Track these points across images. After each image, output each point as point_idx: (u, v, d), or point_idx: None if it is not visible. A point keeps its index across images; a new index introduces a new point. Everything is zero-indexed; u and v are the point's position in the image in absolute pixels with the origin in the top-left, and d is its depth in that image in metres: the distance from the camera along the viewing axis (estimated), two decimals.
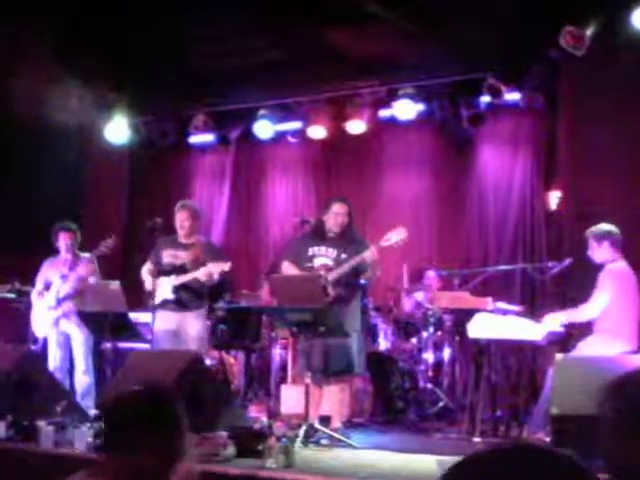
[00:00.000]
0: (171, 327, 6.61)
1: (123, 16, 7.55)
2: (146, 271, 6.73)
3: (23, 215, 8.51)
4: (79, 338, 7.06)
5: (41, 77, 7.88)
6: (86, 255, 7.27)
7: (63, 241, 7.26)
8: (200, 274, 6.48)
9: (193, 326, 6.60)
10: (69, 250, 7.27)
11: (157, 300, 6.62)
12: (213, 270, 6.43)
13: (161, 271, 6.66)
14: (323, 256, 6.28)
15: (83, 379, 7.05)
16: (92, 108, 8.84)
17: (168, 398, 2.43)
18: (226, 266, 6.42)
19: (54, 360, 7.12)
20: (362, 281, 6.43)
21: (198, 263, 6.54)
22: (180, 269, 6.62)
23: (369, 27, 7.58)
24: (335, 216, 6.30)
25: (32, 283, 7.45)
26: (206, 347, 6.67)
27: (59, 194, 8.75)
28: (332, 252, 6.27)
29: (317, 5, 7.20)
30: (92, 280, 7.15)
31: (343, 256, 6.21)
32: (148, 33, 7.89)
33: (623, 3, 6.86)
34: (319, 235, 6.37)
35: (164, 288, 6.61)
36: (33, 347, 7.22)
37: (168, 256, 6.69)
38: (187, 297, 6.62)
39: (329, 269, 6.17)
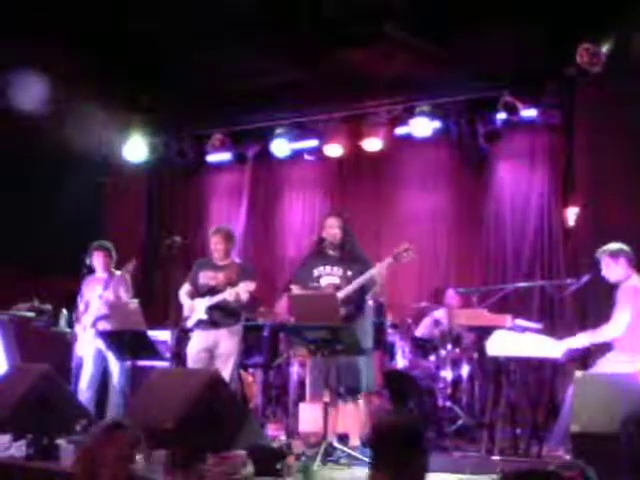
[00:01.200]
0: (205, 345, 6.74)
1: (140, 38, 7.64)
2: (184, 293, 6.87)
3: (43, 235, 8.57)
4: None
5: (62, 98, 7.98)
6: (120, 273, 7.34)
7: (97, 260, 7.35)
8: (227, 295, 6.58)
9: (224, 345, 6.69)
10: (104, 269, 7.36)
11: (192, 321, 6.78)
12: (239, 290, 6.52)
13: (197, 293, 6.80)
14: (329, 275, 6.31)
15: (118, 397, 7.10)
16: (111, 128, 8.93)
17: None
18: (251, 286, 6.52)
19: (87, 377, 7.19)
20: (368, 298, 6.42)
21: (231, 285, 6.65)
22: (214, 290, 6.74)
23: (385, 46, 7.63)
24: (327, 230, 6.35)
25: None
26: (233, 366, 6.67)
27: (79, 213, 8.82)
28: (337, 270, 6.28)
29: (333, 25, 7.25)
30: (125, 297, 7.25)
31: (349, 273, 6.22)
32: (166, 53, 7.97)
33: (637, 20, 6.87)
34: (321, 254, 6.39)
35: (198, 309, 6.76)
36: (73, 364, 7.28)
37: (204, 277, 6.84)
38: (220, 316, 6.73)
39: (337, 288, 6.18)
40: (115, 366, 7.15)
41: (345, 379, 6.03)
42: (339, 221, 6.38)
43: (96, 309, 7.23)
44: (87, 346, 7.24)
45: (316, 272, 6.34)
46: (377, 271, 6.07)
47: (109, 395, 7.21)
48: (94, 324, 7.21)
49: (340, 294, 6.10)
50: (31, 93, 7.67)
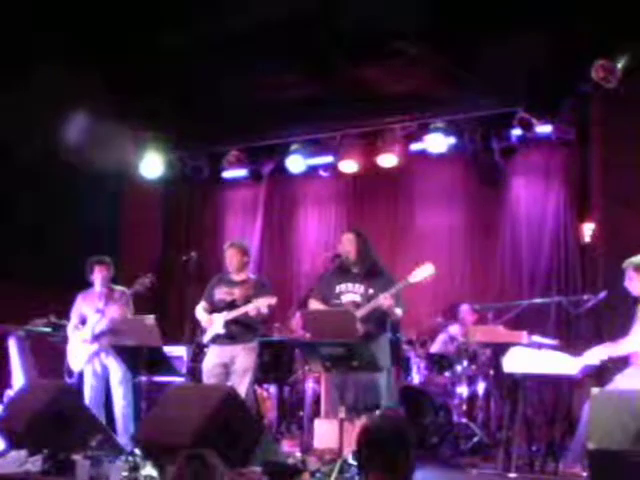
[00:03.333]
0: (221, 360, 6.75)
1: (157, 52, 7.69)
2: (201, 309, 6.89)
3: (60, 250, 8.62)
4: (118, 373, 7.12)
5: (79, 116, 8.04)
6: (120, 288, 7.34)
7: (98, 274, 7.32)
8: (249, 309, 6.59)
9: (241, 360, 6.69)
10: (104, 284, 7.34)
11: (209, 336, 6.80)
12: (260, 305, 6.54)
13: (214, 308, 6.83)
14: (350, 292, 6.29)
15: (123, 414, 7.10)
16: (127, 145, 8.99)
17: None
18: (272, 300, 6.54)
19: (90, 393, 7.17)
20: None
21: (248, 299, 6.68)
22: (231, 305, 6.76)
23: (401, 63, 7.66)
24: (342, 247, 6.36)
25: (68, 317, 7.51)
26: (249, 382, 6.67)
27: (95, 229, 8.87)
28: (359, 288, 6.26)
29: (348, 42, 7.28)
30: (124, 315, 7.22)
31: (370, 291, 6.19)
32: (181, 70, 8.02)
33: None
34: (343, 271, 6.38)
35: (216, 324, 6.77)
36: (68, 380, 7.26)
37: (220, 293, 6.87)
38: (237, 331, 6.74)
39: (357, 305, 6.16)
40: (118, 384, 7.14)
41: (365, 396, 6.00)
42: (353, 237, 6.38)
43: (94, 324, 7.20)
44: (86, 363, 7.20)
45: (338, 289, 6.34)
46: (382, 301, 6.02)
47: (114, 413, 7.19)
48: (96, 339, 7.20)
49: (359, 312, 6.07)
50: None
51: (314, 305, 6.45)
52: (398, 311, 6.21)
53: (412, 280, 6.09)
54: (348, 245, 6.35)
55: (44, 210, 8.71)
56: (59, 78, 7.18)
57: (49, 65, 7.18)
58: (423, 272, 6.09)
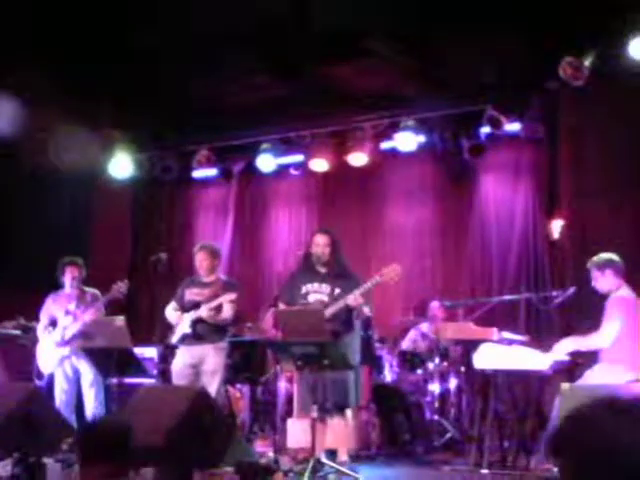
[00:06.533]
0: (190, 361, 6.73)
1: (125, 53, 7.63)
2: (171, 310, 6.86)
3: (29, 252, 8.53)
4: (89, 375, 7.06)
5: (45, 117, 7.96)
6: (92, 290, 7.27)
7: (70, 275, 7.25)
8: (203, 312, 6.59)
9: (210, 361, 6.67)
10: (75, 285, 7.26)
11: (177, 337, 6.78)
12: (222, 301, 6.53)
13: (183, 309, 6.83)
14: (317, 292, 6.27)
15: (94, 416, 7.03)
16: (96, 145, 8.91)
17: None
18: (232, 296, 6.51)
19: (61, 396, 7.11)
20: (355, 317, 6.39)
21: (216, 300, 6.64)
22: (199, 305, 6.74)
23: (370, 62, 7.67)
24: (316, 247, 6.32)
25: (37, 319, 7.43)
26: (219, 382, 6.66)
27: (64, 231, 8.79)
28: (325, 288, 6.25)
29: (318, 41, 7.28)
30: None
31: (337, 291, 6.18)
32: (151, 69, 7.97)
33: (620, 34, 6.94)
34: (310, 271, 6.37)
35: (183, 323, 6.78)
36: (38, 383, 7.19)
37: (190, 294, 6.86)
38: (205, 330, 6.72)
39: (325, 305, 6.15)
40: (89, 387, 7.08)
41: (333, 395, 6.00)
42: (327, 238, 6.35)
43: (67, 327, 7.14)
44: (56, 365, 7.15)
45: (304, 289, 6.32)
46: (351, 300, 6.03)
47: (85, 415, 7.13)
48: (68, 341, 7.13)
49: (327, 312, 6.06)
50: (14, 114, 7.67)
51: (282, 307, 6.44)
52: (366, 310, 6.22)
53: (379, 279, 6.08)
54: (323, 246, 6.31)
55: (10, 211, 8.62)
56: (25, 77, 7.11)
57: (15, 64, 7.11)
58: (390, 272, 6.08)
